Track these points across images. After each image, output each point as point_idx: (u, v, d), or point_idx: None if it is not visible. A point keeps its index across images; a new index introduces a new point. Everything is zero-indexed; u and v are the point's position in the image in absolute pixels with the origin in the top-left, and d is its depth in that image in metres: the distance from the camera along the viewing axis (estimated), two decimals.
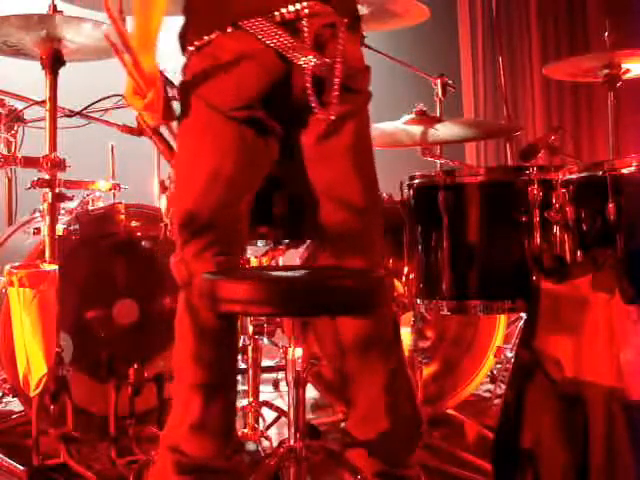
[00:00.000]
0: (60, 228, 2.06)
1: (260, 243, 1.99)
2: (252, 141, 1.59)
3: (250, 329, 2.24)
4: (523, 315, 2.10)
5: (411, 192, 2.09)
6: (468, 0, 4.68)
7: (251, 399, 2.18)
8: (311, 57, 1.53)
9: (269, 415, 2.27)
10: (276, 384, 3.01)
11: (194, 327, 1.59)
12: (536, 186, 1.90)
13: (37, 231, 2.05)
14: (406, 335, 2.13)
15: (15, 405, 2.43)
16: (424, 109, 2.57)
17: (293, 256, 2.44)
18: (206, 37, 1.55)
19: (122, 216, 2.28)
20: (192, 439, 1.58)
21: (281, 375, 2.94)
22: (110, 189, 2.55)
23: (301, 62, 1.53)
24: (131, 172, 2.83)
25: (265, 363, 2.57)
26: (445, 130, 2.63)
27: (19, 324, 1.82)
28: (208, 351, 1.60)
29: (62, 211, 2.22)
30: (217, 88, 1.56)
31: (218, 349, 1.62)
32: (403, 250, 2.11)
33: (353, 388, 1.75)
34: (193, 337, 1.59)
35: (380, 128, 2.48)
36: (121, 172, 2.74)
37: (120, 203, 2.34)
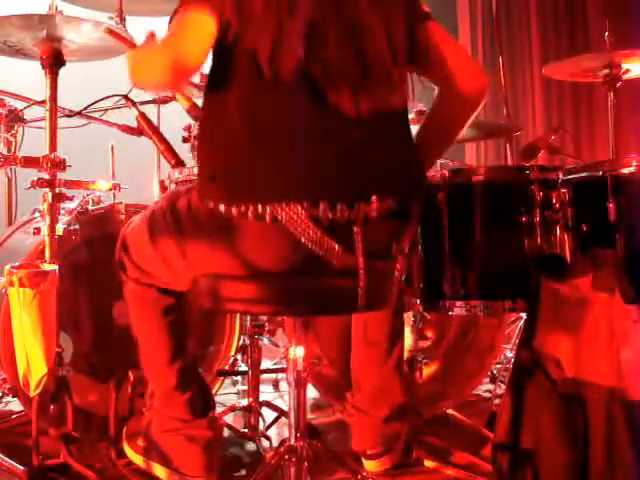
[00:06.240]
0: (60, 228, 2.05)
1: None
2: None
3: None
4: (523, 315, 2.10)
5: None
6: (468, 0, 4.68)
7: (251, 399, 2.19)
8: None
9: (269, 415, 2.27)
10: (276, 384, 3.01)
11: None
12: (536, 186, 1.90)
13: (37, 231, 2.05)
14: (406, 335, 2.13)
15: (15, 405, 2.43)
16: (424, 109, 2.56)
17: None
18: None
19: (122, 216, 2.28)
20: None
21: (281, 375, 2.93)
22: (110, 189, 2.55)
23: None
24: (131, 172, 2.82)
25: (265, 363, 2.57)
26: None
27: (19, 324, 1.81)
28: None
29: (62, 211, 2.22)
30: None
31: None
32: None
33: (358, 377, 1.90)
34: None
35: None
36: (121, 172, 2.74)
37: (120, 203, 2.33)
